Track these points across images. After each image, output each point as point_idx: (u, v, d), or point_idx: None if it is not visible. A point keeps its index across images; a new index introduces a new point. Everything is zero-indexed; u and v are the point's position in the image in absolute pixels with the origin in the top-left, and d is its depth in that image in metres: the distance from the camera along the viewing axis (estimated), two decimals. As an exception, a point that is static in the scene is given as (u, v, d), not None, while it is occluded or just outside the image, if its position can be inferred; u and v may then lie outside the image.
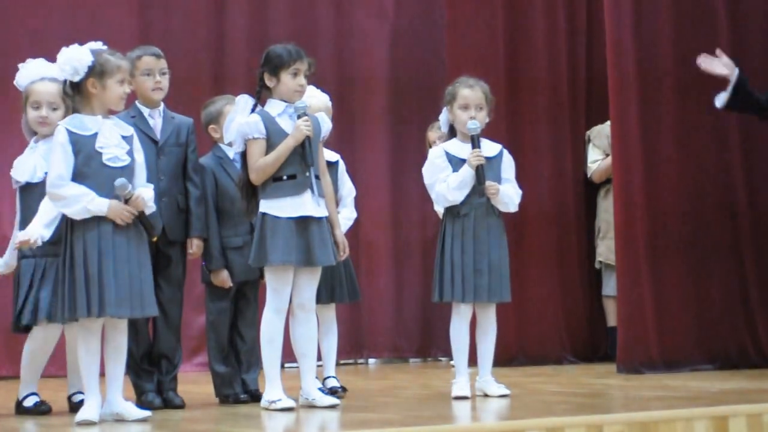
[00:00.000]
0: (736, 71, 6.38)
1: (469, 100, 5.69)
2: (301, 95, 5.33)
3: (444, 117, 5.80)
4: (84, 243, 4.87)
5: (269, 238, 5.15)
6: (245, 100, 5.32)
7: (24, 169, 5.43)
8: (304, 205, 5.21)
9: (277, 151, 5.20)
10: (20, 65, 5.59)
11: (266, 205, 5.20)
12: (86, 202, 4.87)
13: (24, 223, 5.31)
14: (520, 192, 5.74)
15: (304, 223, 5.20)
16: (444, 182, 5.60)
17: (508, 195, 5.66)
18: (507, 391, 5.63)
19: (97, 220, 4.89)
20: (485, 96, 5.72)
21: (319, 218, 5.24)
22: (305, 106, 5.32)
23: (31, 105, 5.49)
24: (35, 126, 5.50)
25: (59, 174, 4.90)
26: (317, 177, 5.25)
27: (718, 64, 6.41)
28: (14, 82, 5.60)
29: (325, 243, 5.24)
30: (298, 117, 5.26)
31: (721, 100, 6.43)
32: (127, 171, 5.00)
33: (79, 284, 4.85)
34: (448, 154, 5.67)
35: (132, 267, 4.91)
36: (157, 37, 7.96)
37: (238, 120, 5.26)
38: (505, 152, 5.79)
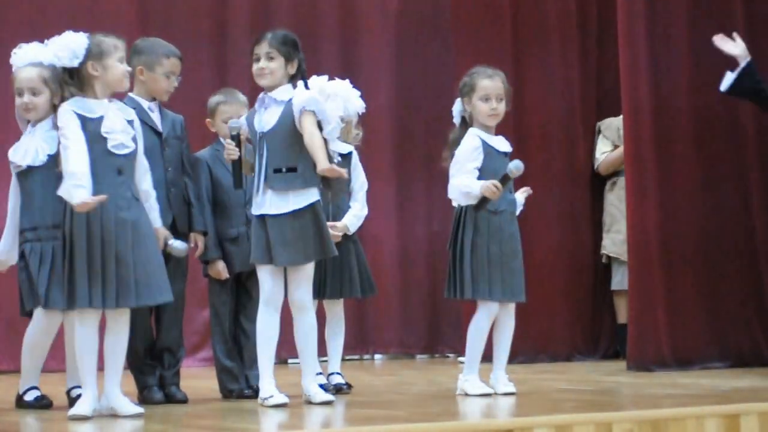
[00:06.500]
0: (748, 58, 6.31)
1: (490, 90, 5.54)
2: None
3: (457, 108, 5.66)
4: (87, 231, 4.79)
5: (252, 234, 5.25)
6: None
7: (25, 152, 5.28)
8: (261, 204, 5.16)
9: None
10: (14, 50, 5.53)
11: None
12: (71, 185, 4.75)
13: (25, 209, 5.23)
14: None
15: (263, 221, 5.16)
16: (466, 175, 5.44)
17: None
18: (513, 390, 5.54)
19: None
20: (504, 86, 5.60)
21: (277, 216, 5.11)
22: (239, 126, 5.32)
23: (16, 92, 5.38)
24: (22, 113, 5.39)
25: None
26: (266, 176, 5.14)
27: (732, 46, 6.35)
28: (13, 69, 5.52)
29: (286, 242, 5.10)
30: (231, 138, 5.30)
31: (726, 83, 6.34)
32: (131, 158, 4.94)
33: (80, 274, 4.78)
34: (485, 144, 5.51)
35: (130, 256, 4.82)
36: (157, 25, 7.89)
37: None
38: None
